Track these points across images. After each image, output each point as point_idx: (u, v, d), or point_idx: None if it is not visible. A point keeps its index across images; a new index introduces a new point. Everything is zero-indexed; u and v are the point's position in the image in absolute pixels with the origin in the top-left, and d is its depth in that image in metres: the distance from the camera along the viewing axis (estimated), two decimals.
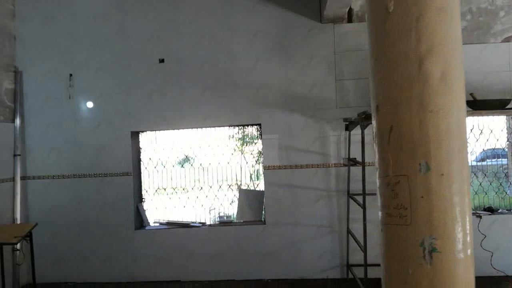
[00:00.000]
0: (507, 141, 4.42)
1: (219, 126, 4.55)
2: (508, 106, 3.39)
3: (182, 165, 4.95)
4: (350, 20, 4.33)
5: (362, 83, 4.29)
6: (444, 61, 1.36)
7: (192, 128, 4.55)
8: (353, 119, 3.85)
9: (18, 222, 4.32)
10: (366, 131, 3.49)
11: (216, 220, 4.60)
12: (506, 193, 4.41)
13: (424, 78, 1.35)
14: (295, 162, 4.36)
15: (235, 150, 4.82)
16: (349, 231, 4.16)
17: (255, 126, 4.62)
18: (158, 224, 4.57)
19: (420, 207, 1.34)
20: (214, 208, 4.70)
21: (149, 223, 4.59)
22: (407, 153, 1.37)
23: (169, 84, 4.42)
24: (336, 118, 4.30)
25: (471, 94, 3.51)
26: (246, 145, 4.96)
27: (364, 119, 3.39)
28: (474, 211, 4.30)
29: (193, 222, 4.55)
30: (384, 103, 1.45)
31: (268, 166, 4.38)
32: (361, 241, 3.54)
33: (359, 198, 3.84)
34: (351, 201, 4.16)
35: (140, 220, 4.57)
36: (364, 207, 3.43)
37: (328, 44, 4.31)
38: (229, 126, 4.56)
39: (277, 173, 4.37)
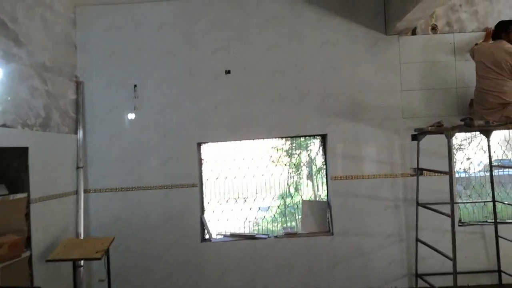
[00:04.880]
0: None
1: (286, 137, 4.55)
2: None
3: None
4: (414, 32, 4.42)
5: (427, 93, 4.37)
6: None
7: (257, 139, 4.52)
8: (429, 129, 3.90)
9: (81, 236, 4.18)
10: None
11: (281, 232, 4.57)
12: None
13: None
14: (361, 172, 4.38)
15: (274, 162, 4.84)
16: (418, 240, 4.19)
17: (317, 137, 4.64)
18: (221, 236, 4.50)
19: None
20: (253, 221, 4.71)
21: (211, 235, 4.51)
22: None
23: (235, 94, 4.39)
24: (403, 128, 4.36)
25: None
26: (290, 157, 4.98)
27: (450, 130, 3.48)
28: None
29: (257, 234, 4.50)
30: None
31: (335, 177, 4.39)
32: (445, 251, 3.59)
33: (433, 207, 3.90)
34: (420, 210, 4.20)
35: (203, 232, 4.49)
36: (452, 216, 3.46)
37: (394, 55, 4.39)
38: (296, 136, 4.56)
39: (343, 183, 4.38)
